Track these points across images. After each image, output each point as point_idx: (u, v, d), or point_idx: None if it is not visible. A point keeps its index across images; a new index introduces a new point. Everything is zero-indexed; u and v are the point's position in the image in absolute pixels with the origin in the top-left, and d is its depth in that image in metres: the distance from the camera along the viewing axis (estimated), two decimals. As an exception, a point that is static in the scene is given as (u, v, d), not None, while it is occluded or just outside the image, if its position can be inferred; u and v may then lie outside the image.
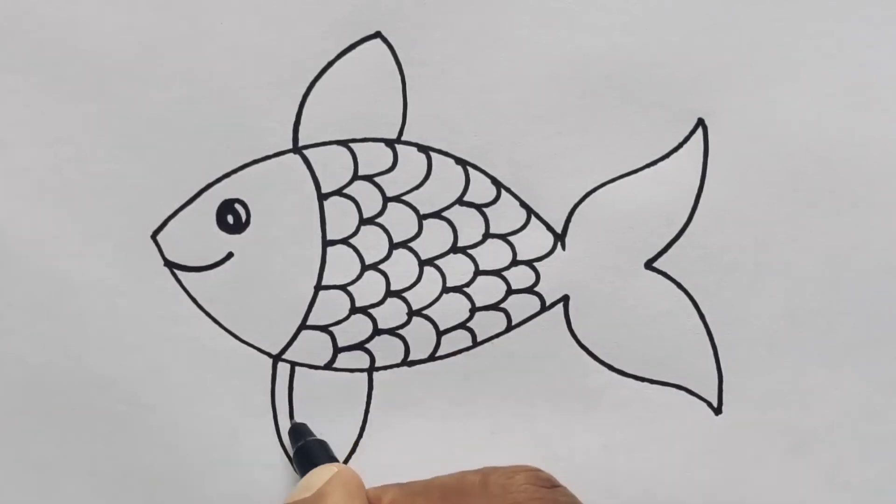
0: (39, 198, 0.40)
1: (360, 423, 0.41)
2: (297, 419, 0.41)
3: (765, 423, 0.41)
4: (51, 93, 0.40)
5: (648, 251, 0.41)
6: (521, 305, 0.41)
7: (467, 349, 0.41)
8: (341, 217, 0.41)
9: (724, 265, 0.41)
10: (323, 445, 0.40)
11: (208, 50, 0.40)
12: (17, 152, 0.40)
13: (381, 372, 0.41)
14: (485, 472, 0.35)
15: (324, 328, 0.41)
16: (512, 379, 0.41)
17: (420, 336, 0.41)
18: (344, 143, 0.41)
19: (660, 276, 0.41)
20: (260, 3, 0.41)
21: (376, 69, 0.41)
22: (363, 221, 0.41)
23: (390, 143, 0.41)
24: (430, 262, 0.41)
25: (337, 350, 0.41)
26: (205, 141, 0.41)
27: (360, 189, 0.41)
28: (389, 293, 0.41)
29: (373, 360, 0.41)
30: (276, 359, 0.41)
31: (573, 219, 0.41)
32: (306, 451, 0.40)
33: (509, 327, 0.41)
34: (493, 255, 0.41)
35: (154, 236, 0.41)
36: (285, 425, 0.41)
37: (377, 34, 0.41)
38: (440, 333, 0.41)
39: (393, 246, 0.41)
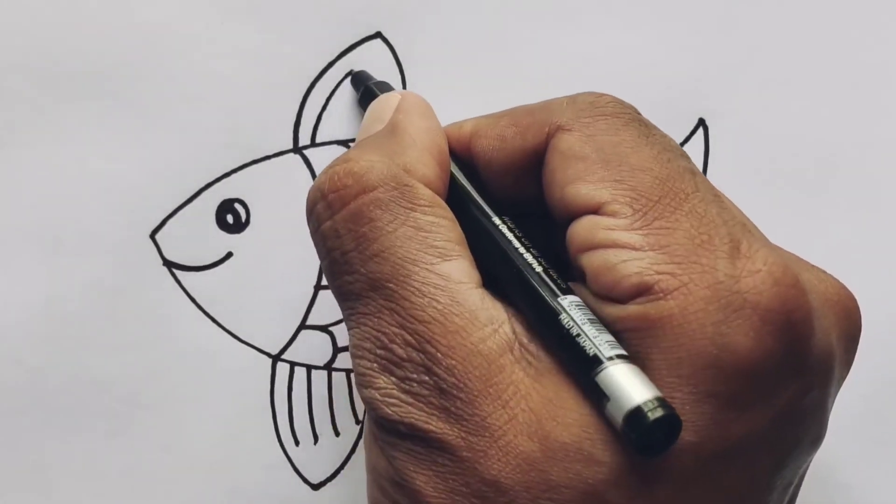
0: (40, 198, 0.40)
1: (360, 424, 0.41)
2: (297, 416, 0.41)
3: (764, 423, 0.41)
4: (51, 92, 0.40)
5: (648, 251, 0.41)
6: (521, 305, 0.41)
7: (467, 349, 0.41)
8: (341, 217, 0.41)
9: (724, 265, 0.41)
10: (389, 86, 0.39)
11: (209, 50, 0.40)
12: (17, 152, 0.40)
13: (381, 372, 0.41)
14: (571, 95, 0.34)
15: (324, 328, 0.41)
16: (512, 379, 0.41)
17: (420, 336, 0.41)
18: (344, 143, 0.41)
19: (660, 277, 0.41)
20: (260, 3, 0.41)
21: (376, 69, 0.41)
22: (363, 221, 0.41)
23: (390, 143, 0.41)
24: (430, 262, 0.41)
25: (337, 350, 0.41)
26: (205, 141, 0.41)
27: (360, 189, 0.41)
28: (389, 293, 0.41)
29: (373, 360, 0.41)
30: (276, 359, 0.41)
31: (573, 219, 0.41)
32: (373, 93, 0.38)
33: (509, 327, 0.41)
34: (494, 255, 0.41)
35: (153, 236, 0.41)
36: (285, 425, 0.41)
37: (377, 34, 0.41)
38: (440, 333, 0.41)
39: (393, 246, 0.41)
